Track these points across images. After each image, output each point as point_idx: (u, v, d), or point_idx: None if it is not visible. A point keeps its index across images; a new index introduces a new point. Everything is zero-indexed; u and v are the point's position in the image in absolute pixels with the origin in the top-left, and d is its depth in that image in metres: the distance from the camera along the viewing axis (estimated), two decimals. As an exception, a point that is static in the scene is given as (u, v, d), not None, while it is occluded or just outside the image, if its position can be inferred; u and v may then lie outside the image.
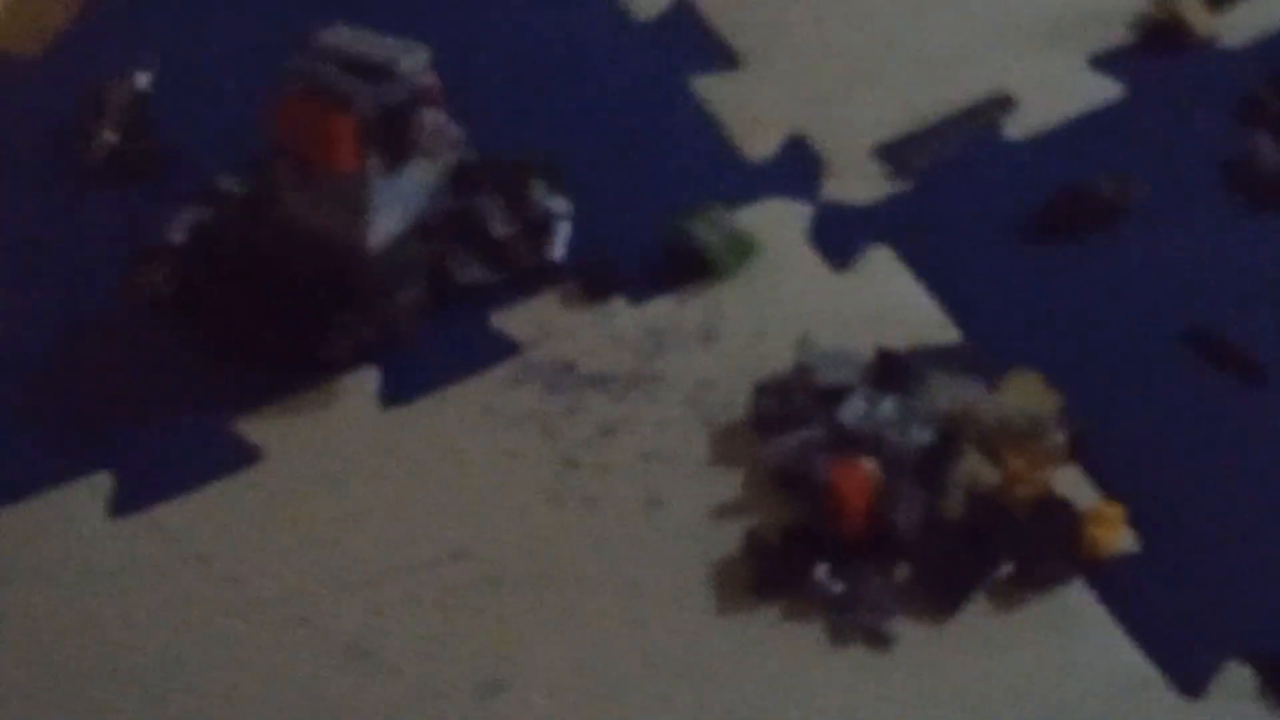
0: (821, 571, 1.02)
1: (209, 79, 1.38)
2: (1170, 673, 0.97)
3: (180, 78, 1.38)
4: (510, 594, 1.05)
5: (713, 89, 1.35)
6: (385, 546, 1.09)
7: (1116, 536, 1.02)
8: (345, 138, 1.15)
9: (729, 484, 1.10)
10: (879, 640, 1.00)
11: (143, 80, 1.37)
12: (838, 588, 1.02)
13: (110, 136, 1.34)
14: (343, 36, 1.19)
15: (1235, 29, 1.31)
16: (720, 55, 1.38)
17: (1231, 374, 1.11)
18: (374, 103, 1.15)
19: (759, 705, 0.98)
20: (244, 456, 1.15)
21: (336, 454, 1.15)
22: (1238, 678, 0.96)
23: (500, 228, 1.24)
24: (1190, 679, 0.96)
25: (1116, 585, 1.01)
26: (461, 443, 1.14)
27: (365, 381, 1.19)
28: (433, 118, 1.17)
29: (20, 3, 1.45)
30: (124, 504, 1.13)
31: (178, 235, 1.25)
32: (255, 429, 1.17)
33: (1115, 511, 1.03)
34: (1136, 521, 1.03)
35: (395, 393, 1.18)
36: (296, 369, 1.19)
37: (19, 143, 1.36)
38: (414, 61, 1.17)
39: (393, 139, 1.17)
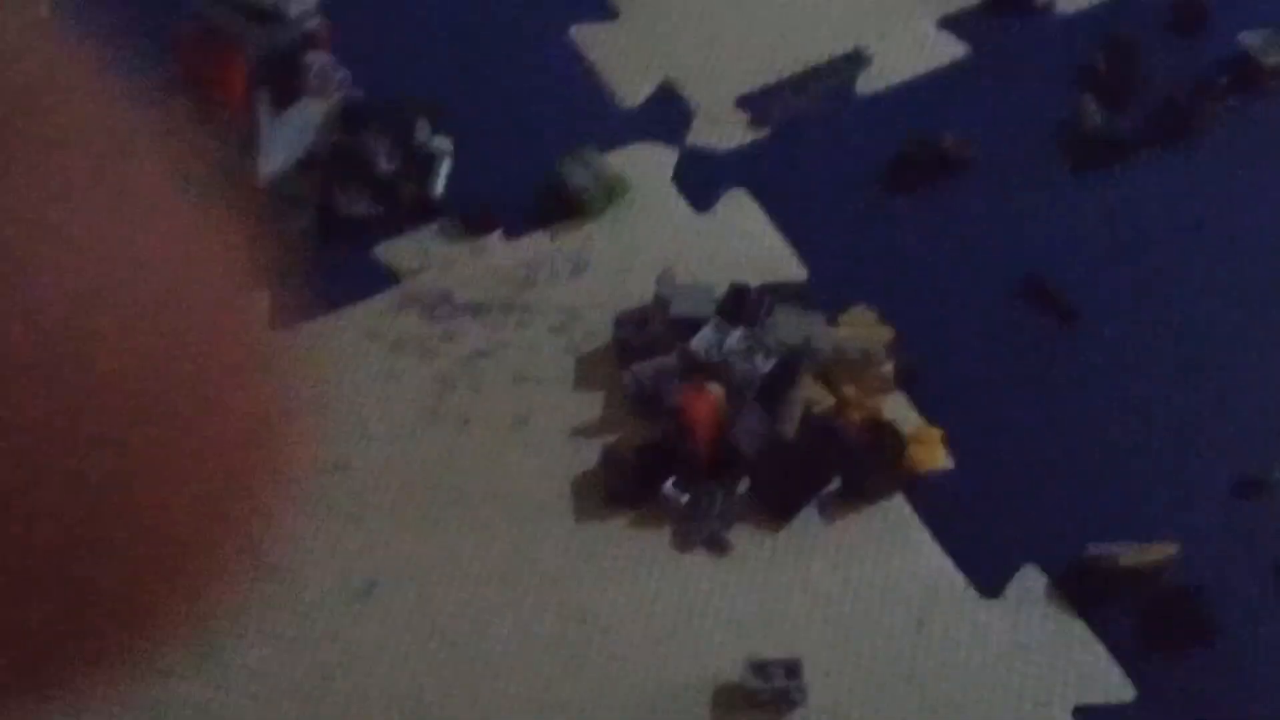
0: (670, 485, 1.12)
1: (108, 13, 1.43)
2: (972, 576, 1.09)
3: (75, 9, 1.43)
4: (385, 503, 1.14)
5: (590, 38, 1.43)
6: (270, 459, 1.17)
7: (934, 456, 1.14)
8: (235, 76, 1.22)
9: (591, 405, 1.19)
10: (719, 546, 1.11)
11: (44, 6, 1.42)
12: (684, 499, 1.12)
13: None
14: (236, -22, 1.26)
15: (1072, -3, 1.43)
16: (598, 6, 1.46)
17: (1049, 317, 1.23)
18: (264, 44, 1.22)
19: (609, 600, 1.09)
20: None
21: (225, 373, 1.22)
22: (1031, 580, 1.08)
23: (385, 164, 1.32)
24: (990, 581, 1.08)
25: (931, 500, 1.12)
26: (343, 364, 1.22)
27: (255, 305, 1.26)
28: (319, 60, 1.24)
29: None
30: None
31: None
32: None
33: (934, 434, 1.14)
34: (952, 444, 1.15)
35: (283, 316, 1.25)
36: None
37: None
38: (303, 5, 1.24)
39: (281, 79, 1.24)
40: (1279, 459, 1.12)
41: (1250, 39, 1.34)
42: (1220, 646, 1.04)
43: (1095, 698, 1.03)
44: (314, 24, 1.25)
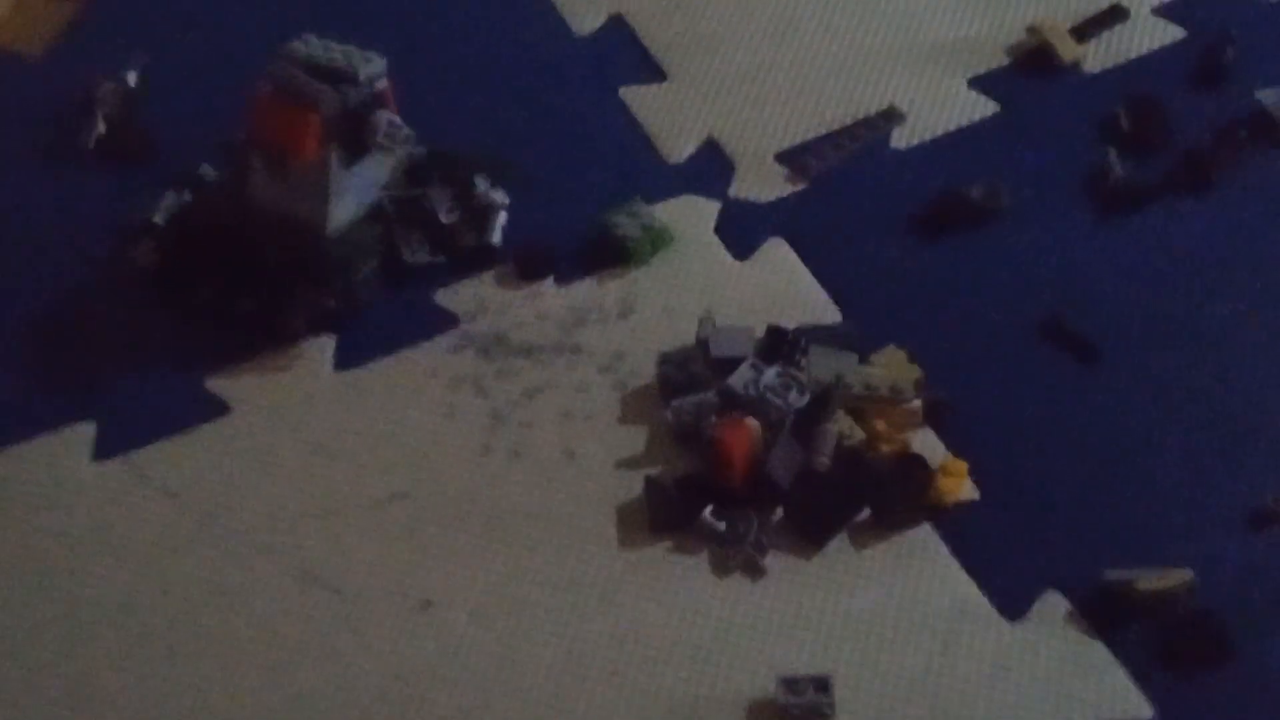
0: (708, 513, 1.19)
1: (193, 78, 1.54)
2: (996, 600, 1.14)
3: (168, 77, 1.54)
4: (442, 529, 1.22)
5: (639, 98, 1.52)
6: (336, 487, 1.25)
7: (960, 487, 1.19)
8: (311, 132, 1.31)
9: (635, 439, 1.26)
10: (755, 570, 1.17)
11: (131, 78, 1.53)
12: (722, 526, 1.19)
13: (101, 127, 1.50)
14: (312, 46, 1.35)
15: (1096, 56, 1.49)
16: (648, 68, 1.55)
17: (1070, 355, 1.29)
18: (336, 103, 1.31)
19: (650, 620, 1.15)
20: (213, 409, 1.30)
21: (295, 409, 1.31)
22: (1052, 605, 1.13)
23: (446, 215, 1.41)
24: (1013, 606, 1.13)
25: (957, 528, 1.18)
26: (405, 401, 1.31)
27: (323, 348, 1.35)
28: (387, 118, 1.33)
29: (23, 4, 1.61)
30: (105, 449, 1.28)
31: (161, 215, 1.41)
32: (224, 386, 1.32)
33: (960, 466, 1.20)
34: (978, 476, 1.20)
35: (349, 358, 1.34)
36: (263, 336, 1.35)
37: (21, 132, 1.52)
38: (372, 69, 1.33)
39: (352, 135, 1.33)
40: (1292, 492, 1.17)
41: (1267, 96, 1.40)
42: (1235, 669, 1.09)
43: (1114, 716, 1.07)
44: (382, 84, 1.34)
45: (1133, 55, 1.49)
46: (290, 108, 1.31)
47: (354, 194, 1.37)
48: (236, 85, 1.38)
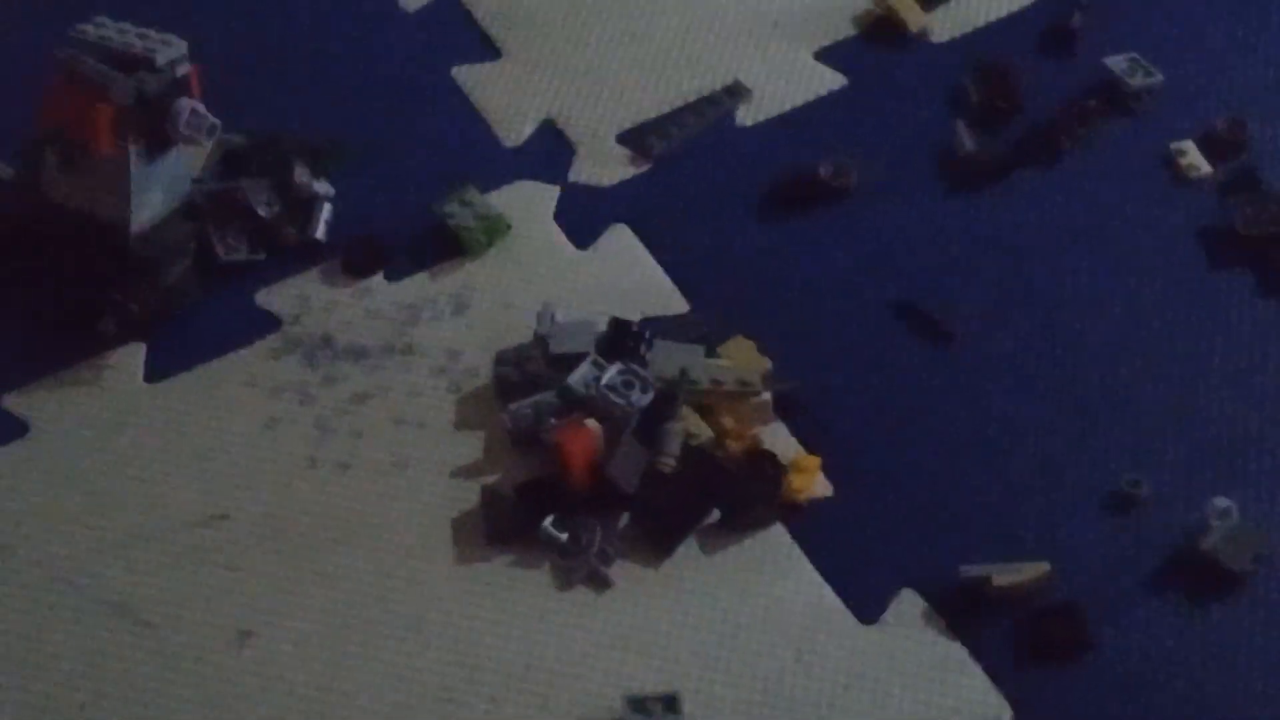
0: (549, 523, 1.12)
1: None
2: (851, 603, 1.09)
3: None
4: (263, 552, 1.13)
5: (473, 78, 1.44)
6: (147, 511, 1.16)
7: (813, 484, 1.14)
8: (104, 124, 1.20)
9: (471, 445, 1.19)
10: (600, 582, 1.11)
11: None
12: (563, 537, 1.12)
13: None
14: (106, 28, 1.25)
15: (944, 25, 1.45)
16: (481, 46, 1.46)
17: (926, 340, 1.24)
18: (131, 91, 1.21)
19: (488, 642, 1.08)
20: (10, 430, 1.20)
21: (101, 427, 1.21)
22: (908, 604, 1.09)
23: (265, 208, 1.31)
24: (868, 607, 1.09)
25: (811, 528, 1.13)
26: (223, 413, 1.21)
27: (131, 357, 1.25)
28: (190, 106, 1.23)
29: None
30: (-107, 478, 1.18)
31: (-53, 218, 1.30)
32: (21, 404, 1.22)
33: (812, 462, 1.15)
34: (831, 471, 1.15)
35: (160, 367, 1.25)
36: (65, 346, 1.25)
37: None
38: (172, 53, 1.23)
39: (152, 126, 1.23)
40: (1148, 473, 1.14)
41: (1115, 63, 1.37)
42: (1095, 661, 1.05)
43: (974, 718, 1.03)
44: (184, 69, 1.24)
45: (980, 23, 1.44)
46: (81, 97, 1.20)
47: (160, 189, 1.27)
48: (35, 74, 1.26)
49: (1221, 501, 1.10)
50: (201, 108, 1.23)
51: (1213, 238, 1.28)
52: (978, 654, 1.06)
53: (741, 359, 1.21)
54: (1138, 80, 1.36)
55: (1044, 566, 1.08)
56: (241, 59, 1.41)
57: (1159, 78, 1.37)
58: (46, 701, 1.06)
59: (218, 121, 1.24)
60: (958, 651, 1.06)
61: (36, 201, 1.27)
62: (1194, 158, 1.32)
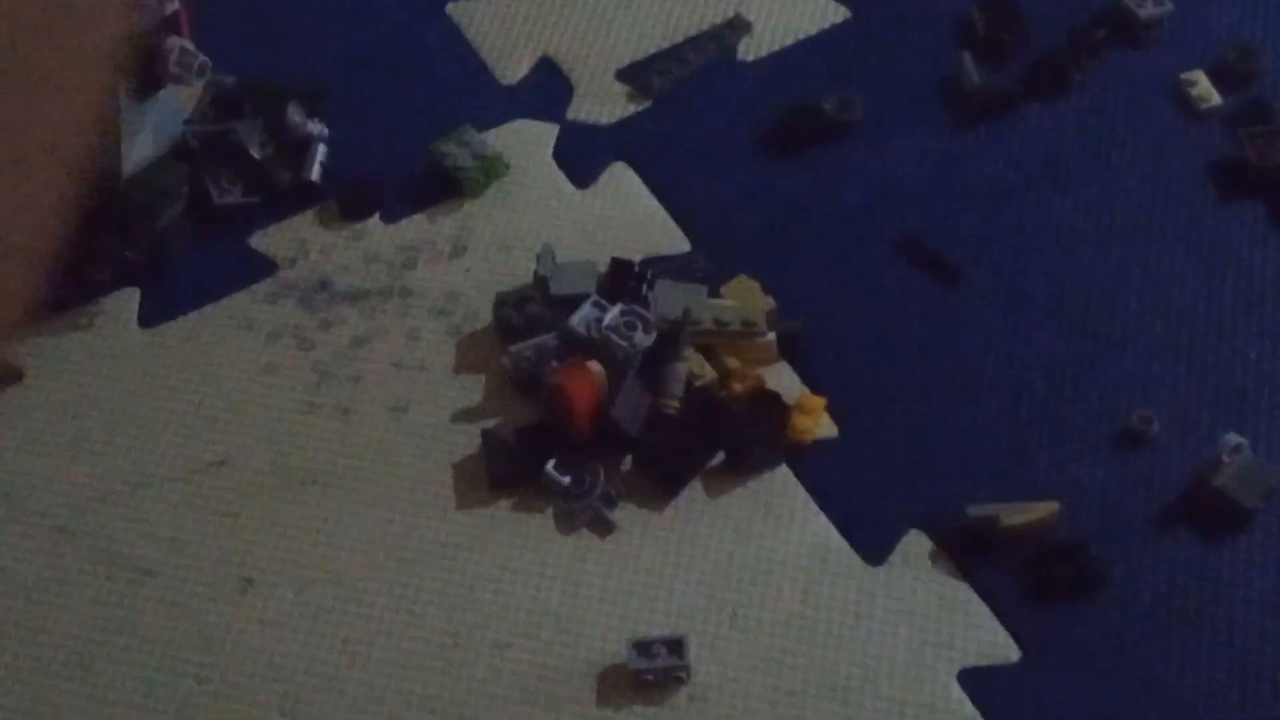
0: (551, 466, 1.11)
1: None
2: (858, 543, 1.08)
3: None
4: (263, 498, 1.12)
5: (468, 14, 1.41)
6: (144, 458, 1.14)
7: (818, 424, 1.13)
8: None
9: (472, 389, 1.17)
10: (603, 526, 1.09)
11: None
12: (566, 480, 1.11)
13: None
14: (91, -35, 1.22)
15: (949, -44, 1.42)
16: (475, -19, 1.43)
17: (930, 277, 1.22)
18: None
19: (492, 587, 1.07)
20: (3, 377, 1.19)
21: (96, 373, 1.19)
22: (915, 545, 1.08)
23: (259, 150, 1.29)
24: (875, 548, 1.08)
25: (816, 469, 1.11)
26: (219, 358, 1.20)
27: (126, 302, 1.23)
28: (180, 45, 1.21)
29: None
30: (-113, 427, 1.17)
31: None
32: (15, 351, 1.20)
33: (817, 402, 1.13)
34: (836, 411, 1.14)
35: (155, 313, 1.23)
36: (60, 292, 1.23)
37: None
38: (160, -11, 1.21)
39: (141, 65, 1.20)
40: (1158, 410, 1.12)
41: (1124, -9, 1.34)
42: (1102, 600, 1.04)
43: (981, 660, 1.02)
44: (173, 7, 1.21)
45: (987, -47, 1.41)
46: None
47: (151, 131, 1.24)
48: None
49: (1233, 438, 1.09)
50: (191, 46, 1.21)
51: (1223, 169, 1.26)
52: (985, 594, 1.05)
53: (745, 299, 1.19)
54: (1147, 10, 1.33)
55: (1053, 505, 1.07)
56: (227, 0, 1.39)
57: (1169, 7, 1.33)
58: (47, 651, 1.06)
59: (208, 60, 1.22)
60: (965, 592, 1.05)
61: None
62: (1204, 88, 1.30)
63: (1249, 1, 1.36)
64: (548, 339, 1.16)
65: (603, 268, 1.20)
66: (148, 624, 1.06)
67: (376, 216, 1.28)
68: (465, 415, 1.16)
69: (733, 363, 1.15)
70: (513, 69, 1.37)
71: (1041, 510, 1.07)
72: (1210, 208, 1.24)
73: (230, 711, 1.02)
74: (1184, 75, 1.31)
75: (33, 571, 1.09)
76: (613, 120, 1.33)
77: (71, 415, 1.17)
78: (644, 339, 1.14)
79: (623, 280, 1.19)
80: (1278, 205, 1.23)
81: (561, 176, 1.30)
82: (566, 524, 1.10)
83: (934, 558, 1.07)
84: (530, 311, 1.19)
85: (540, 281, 1.20)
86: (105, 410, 1.17)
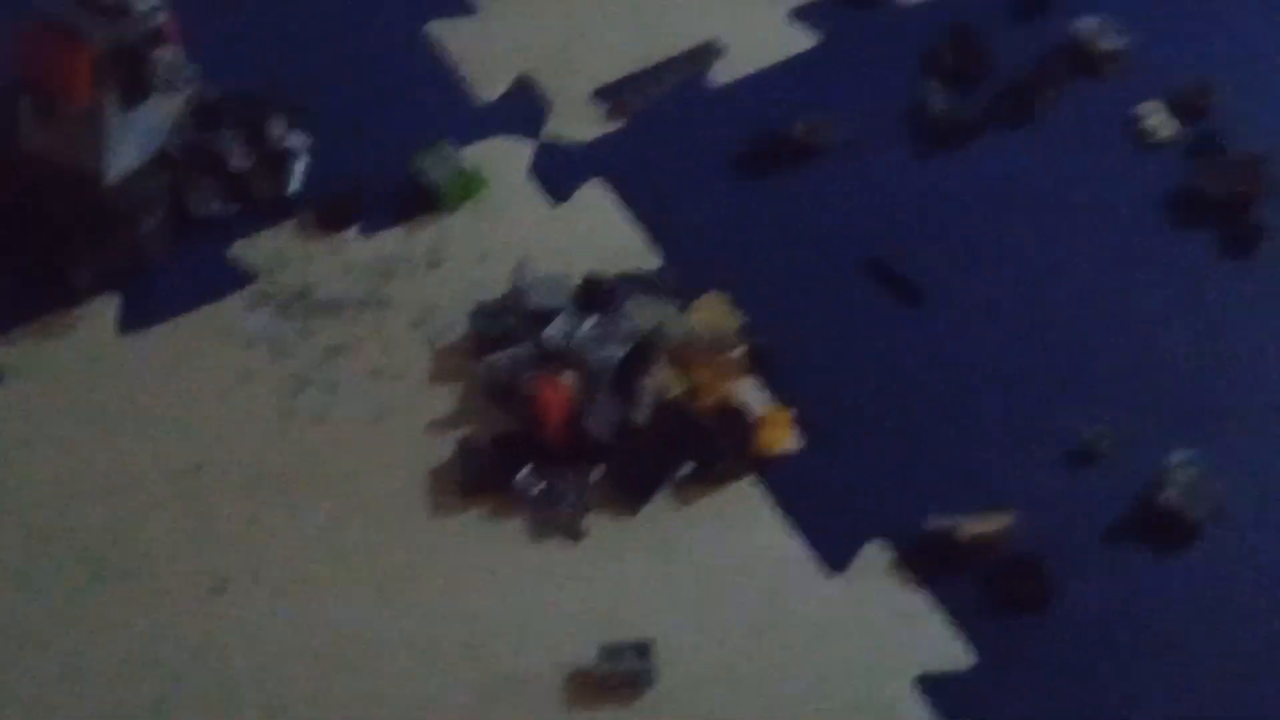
0: (524, 474, 1.13)
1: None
2: (821, 553, 1.11)
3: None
4: (239, 502, 1.14)
5: (447, 33, 1.44)
6: (122, 462, 1.16)
7: (784, 437, 1.16)
8: (81, 71, 1.20)
9: (447, 398, 1.20)
10: (575, 533, 1.12)
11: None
12: (539, 488, 1.13)
13: None
14: (82, -24, 1.24)
15: (918, -13, 1.46)
16: (456, 1, 1.46)
17: (896, 297, 1.26)
18: (108, 38, 1.20)
19: (463, 591, 1.09)
20: (-17, 381, 1.20)
21: (76, 377, 1.21)
22: (875, 555, 1.11)
23: (238, 162, 1.31)
24: (836, 558, 1.11)
25: (781, 480, 1.14)
26: (198, 364, 1.22)
27: (106, 308, 1.25)
28: (167, 56, 1.23)
29: None
30: None
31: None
32: (-3, 354, 1.22)
33: (784, 416, 1.17)
34: (802, 425, 1.17)
35: (135, 319, 1.25)
36: (41, 296, 1.25)
37: None
38: (149, 2, 1.22)
39: (129, 75, 1.22)
40: (1111, 427, 1.16)
41: (1084, 25, 1.39)
42: (1056, 610, 1.08)
43: (937, 666, 1.05)
44: (161, 19, 1.23)
45: (953, -15, 1.46)
46: (58, 45, 1.20)
47: (135, 140, 1.26)
48: (11, 21, 1.25)
49: (1181, 454, 1.13)
50: (179, 57, 1.23)
51: (1178, 198, 1.30)
52: (942, 603, 1.08)
53: (714, 315, 1.22)
54: (1106, 43, 1.38)
55: (1008, 518, 1.10)
56: (215, 12, 1.40)
57: (1127, 41, 1.38)
58: (26, 648, 1.07)
59: (195, 71, 1.24)
60: (922, 601, 1.08)
61: (11, 152, 1.26)
62: (1160, 120, 1.34)
63: (1206, 36, 1.41)
64: (522, 350, 1.19)
65: (577, 281, 1.23)
66: (125, 625, 1.08)
67: (355, 228, 1.30)
68: (440, 424, 1.18)
69: (702, 376, 1.18)
70: (491, 87, 1.40)
71: (995, 523, 1.10)
72: (1165, 234, 1.28)
73: (204, 710, 1.04)
74: (1141, 106, 1.35)
75: (7, 574, 1.11)
76: (589, 139, 1.36)
77: (50, 419, 1.19)
78: (616, 351, 1.17)
79: (596, 294, 1.22)
80: (1228, 232, 1.28)
81: (537, 193, 1.33)
82: (538, 531, 1.12)
83: (893, 567, 1.10)
84: (506, 323, 1.22)
85: (516, 293, 1.23)
86: (83, 414, 1.19)
